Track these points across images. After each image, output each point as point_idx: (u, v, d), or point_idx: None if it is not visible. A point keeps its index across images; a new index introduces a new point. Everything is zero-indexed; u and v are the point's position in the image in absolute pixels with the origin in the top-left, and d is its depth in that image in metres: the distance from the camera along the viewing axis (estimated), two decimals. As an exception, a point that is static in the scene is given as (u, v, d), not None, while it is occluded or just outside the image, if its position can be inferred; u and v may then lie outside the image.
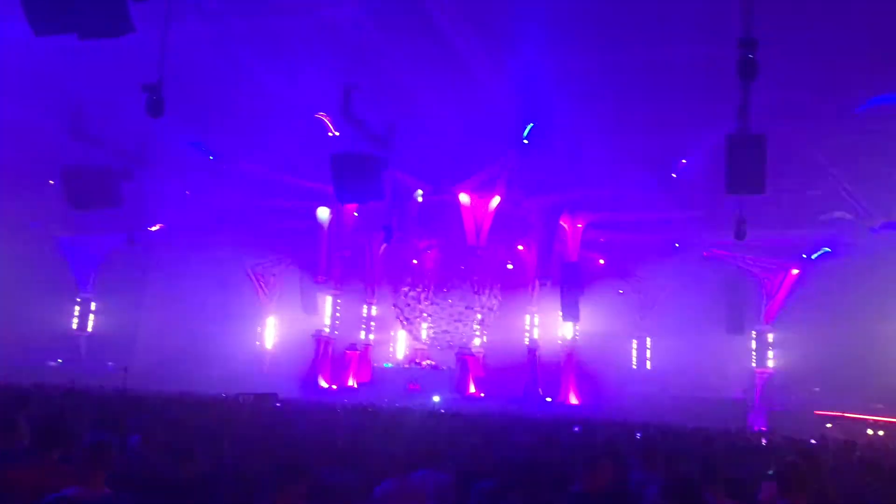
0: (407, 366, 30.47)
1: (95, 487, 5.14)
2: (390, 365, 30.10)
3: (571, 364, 28.79)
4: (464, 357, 29.26)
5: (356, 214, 29.67)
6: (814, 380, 25.12)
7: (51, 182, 24.65)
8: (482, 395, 28.08)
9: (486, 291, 29.99)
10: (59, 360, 29.62)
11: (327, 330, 30.37)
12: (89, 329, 32.29)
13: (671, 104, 20.46)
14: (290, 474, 5.06)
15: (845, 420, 23.68)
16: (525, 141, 25.38)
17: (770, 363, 27.78)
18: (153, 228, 29.53)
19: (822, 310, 24.99)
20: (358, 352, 30.41)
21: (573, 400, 28.19)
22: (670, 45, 17.78)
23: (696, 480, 5.11)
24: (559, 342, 29.10)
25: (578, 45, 18.30)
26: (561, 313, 28.57)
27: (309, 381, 29.08)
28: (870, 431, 22.85)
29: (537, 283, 29.10)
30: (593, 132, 22.54)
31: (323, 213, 29.51)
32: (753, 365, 27.96)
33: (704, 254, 28.91)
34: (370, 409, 11.86)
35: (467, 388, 28.33)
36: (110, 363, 28.43)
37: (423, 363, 30.79)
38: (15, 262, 27.71)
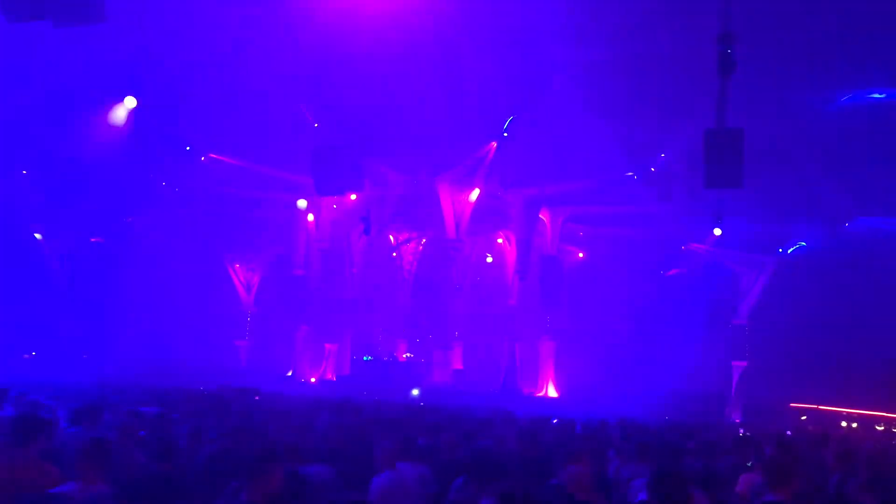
0: (386, 358, 30.43)
1: (93, 484, 5.10)
2: (369, 358, 30.03)
3: (551, 357, 28.89)
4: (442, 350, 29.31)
5: (335, 206, 29.54)
6: (789, 373, 25.40)
7: (23, 172, 24.29)
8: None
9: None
10: (33, 353, 29.24)
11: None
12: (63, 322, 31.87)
13: (650, 98, 20.56)
14: (261, 465, 5.04)
15: (819, 412, 24.02)
16: (505, 133, 25.43)
17: (746, 356, 28.05)
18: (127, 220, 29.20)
19: (797, 303, 25.27)
20: (337, 345, 30.32)
21: (552, 393, 28.32)
22: (650, 40, 17.85)
23: (683, 474, 5.11)
24: (539, 336, 29.17)
25: (558, 38, 18.32)
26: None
27: (288, 374, 28.97)
28: (843, 423, 23.21)
29: (516, 276, 29.17)
30: (574, 124, 22.61)
31: (302, 205, 29.32)
32: (730, 358, 28.20)
33: (682, 247, 29.17)
34: (351, 403, 11.80)
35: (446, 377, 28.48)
36: (85, 356, 28.17)
37: (402, 356, 30.77)
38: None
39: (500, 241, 31.49)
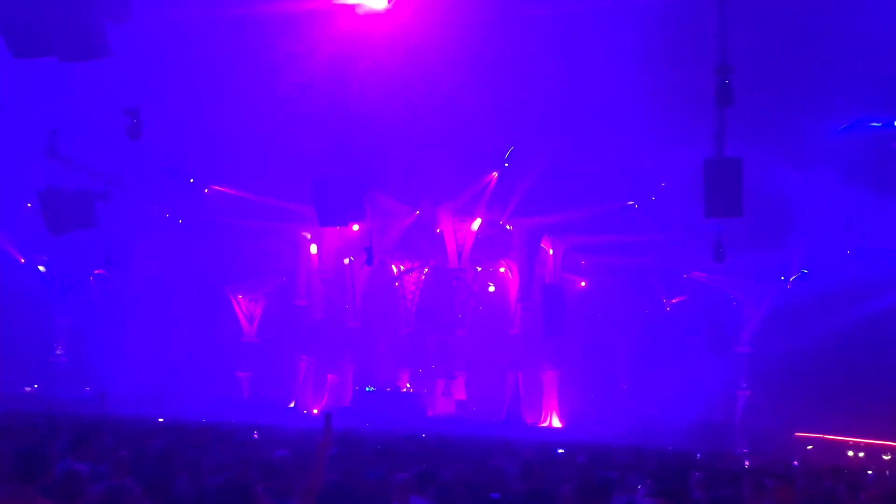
0: (388, 389, 30.27)
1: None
2: (371, 388, 29.90)
3: (553, 386, 28.75)
4: (445, 380, 29.26)
5: (337, 237, 29.61)
6: (794, 402, 25.22)
7: (28, 205, 24.38)
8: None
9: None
10: (35, 386, 29.14)
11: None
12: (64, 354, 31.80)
13: (649, 127, 20.69)
14: (243, 498, 5.02)
15: (826, 442, 23.79)
16: (506, 164, 25.59)
17: (750, 385, 27.87)
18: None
19: (801, 331, 25.16)
20: (338, 375, 30.23)
21: (556, 423, 28.13)
22: (649, 70, 18.02)
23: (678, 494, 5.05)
24: (541, 365, 29.03)
25: (558, 69, 18.49)
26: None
27: (290, 405, 28.83)
28: (850, 453, 22.98)
29: (519, 305, 29.13)
30: (574, 154, 22.74)
31: (305, 236, 29.45)
32: (734, 387, 28.02)
33: (684, 276, 29.13)
34: (354, 436, 11.73)
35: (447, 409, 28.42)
36: (87, 388, 28.04)
37: (404, 387, 30.62)
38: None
39: (502, 270, 31.50)
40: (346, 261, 30.57)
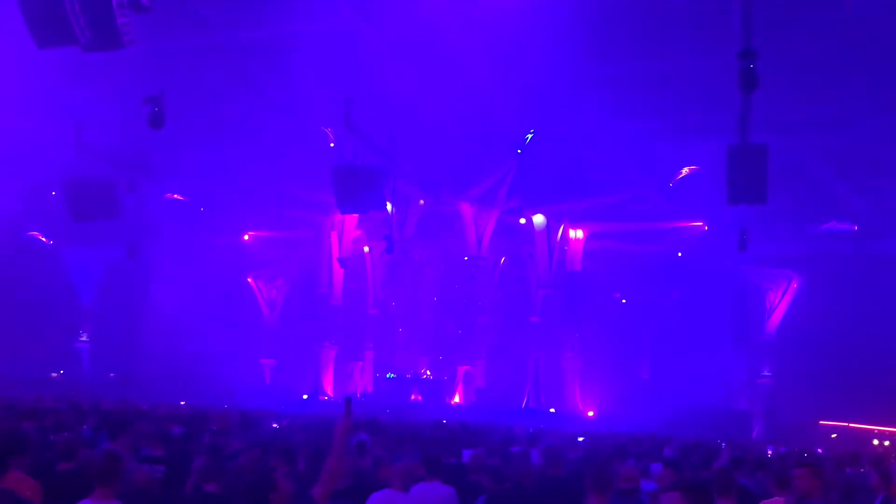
0: (409, 376, 30.40)
1: (106, 499, 5.10)
2: (392, 375, 30.03)
3: (574, 373, 28.69)
4: (465, 367, 29.31)
5: (358, 225, 29.67)
6: (818, 390, 24.98)
7: (52, 193, 24.67)
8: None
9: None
10: (61, 371, 29.57)
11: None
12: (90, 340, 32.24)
13: (673, 114, 20.50)
14: (265, 484, 5.06)
15: (850, 430, 23.56)
16: (520, 151, 25.45)
17: (774, 373, 27.63)
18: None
19: (825, 319, 24.90)
20: (360, 363, 30.38)
21: (577, 409, 28.07)
22: (673, 56, 17.83)
23: (709, 487, 4.96)
24: (562, 352, 28.96)
25: (581, 55, 18.31)
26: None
27: (311, 392, 29.03)
28: (875, 441, 22.73)
29: (539, 292, 29.06)
30: (597, 140, 22.58)
31: (327, 224, 29.58)
32: (756, 374, 27.80)
33: (708, 263, 28.83)
34: (375, 422, 11.77)
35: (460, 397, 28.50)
36: (112, 374, 28.44)
37: (424, 373, 30.74)
38: (15, 273, 27.70)
39: (522, 257, 31.39)
40: (366, 248, 30.64)
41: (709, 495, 3.55)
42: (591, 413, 27.77)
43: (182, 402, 20.56)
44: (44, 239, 30.16)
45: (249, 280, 32.20)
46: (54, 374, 28.94)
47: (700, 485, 3.69)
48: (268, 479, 5.14)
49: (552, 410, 27.66)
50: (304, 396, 28.70)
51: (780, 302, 27.70)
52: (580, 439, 13.20)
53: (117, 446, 6.93)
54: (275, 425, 12.76)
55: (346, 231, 29.56)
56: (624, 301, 30.93)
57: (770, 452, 14.67)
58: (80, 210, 20.62)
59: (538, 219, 28.10)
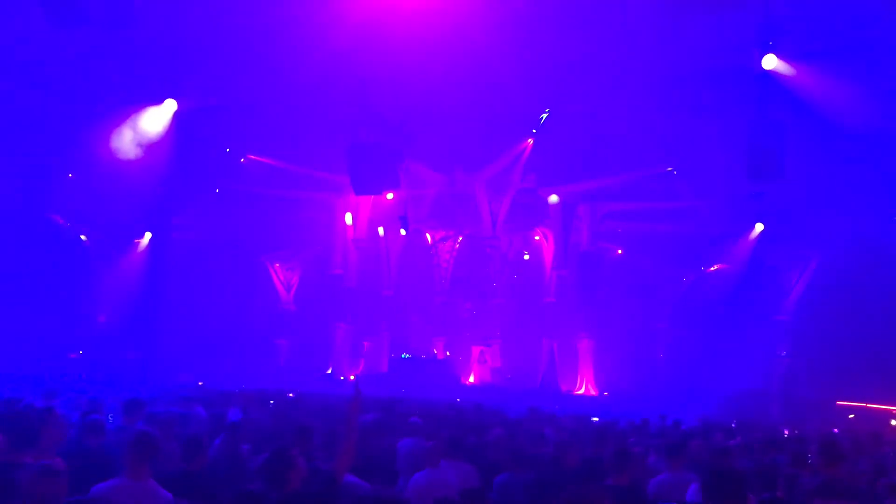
0: (423, 356, 30.49)
1: (140, 479, 5.16)
2: (407, 355, 30.14)
3: (589, 355, 28.64)
4: (479, 347, 29.36)
5: (372, 206, 29.66)
6: (835, 370, 24.82)
7: (69, 175, 24.80)
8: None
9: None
10: (81, 352, 29.84)
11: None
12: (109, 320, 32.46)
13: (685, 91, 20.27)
14: (281, 462, 5.09)
15: (868, 411, 23.40)
16: (534, 130, 25.31)
17: (790, 353, 27.47)
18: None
19: (843, 298, 24.67)
20: (375, 343, 30.49)
21: (591, 391, 28.08)
22: (685, 35, 17.59)
23: (741, 476, 4.88)
24: (577, 333, 28.91)
25: (594, 34, 18.13)
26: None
27: (327, 371, 29.20)
28: (894, 422, 22.58)
29: (554, 273, 28.99)
30: (611, 119, 22.40)
31: (341, 204, 29.59)
32: (773, 355, 27.64)
33: (722, 243, 28.65)
34: (391, 401, 11.84)
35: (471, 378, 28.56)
36: (130, 355, 28.66)
37: (443, 353, 30.85)
38: (35, 255, 27.90)
39: (537, 237, 31.31)
40: (381, 229, 30.65)
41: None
42: (605, 393, 27.77)
43: (200, 383, 20.74)
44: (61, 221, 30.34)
45: (265, 261, 32.30)
46: (72, 355, 29.21)
47: None
48: (285, 457, 5.16)
49: (567, 391, 27.69)
50: (329, 371, 28.95)
51: (797, 280, 27.47)
52: (595, 419, 13.22)
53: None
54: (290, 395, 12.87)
55: (361, 212, 29.59)
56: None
57: (786, 433, 14.64)
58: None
59: (553, 199, 27.99)
